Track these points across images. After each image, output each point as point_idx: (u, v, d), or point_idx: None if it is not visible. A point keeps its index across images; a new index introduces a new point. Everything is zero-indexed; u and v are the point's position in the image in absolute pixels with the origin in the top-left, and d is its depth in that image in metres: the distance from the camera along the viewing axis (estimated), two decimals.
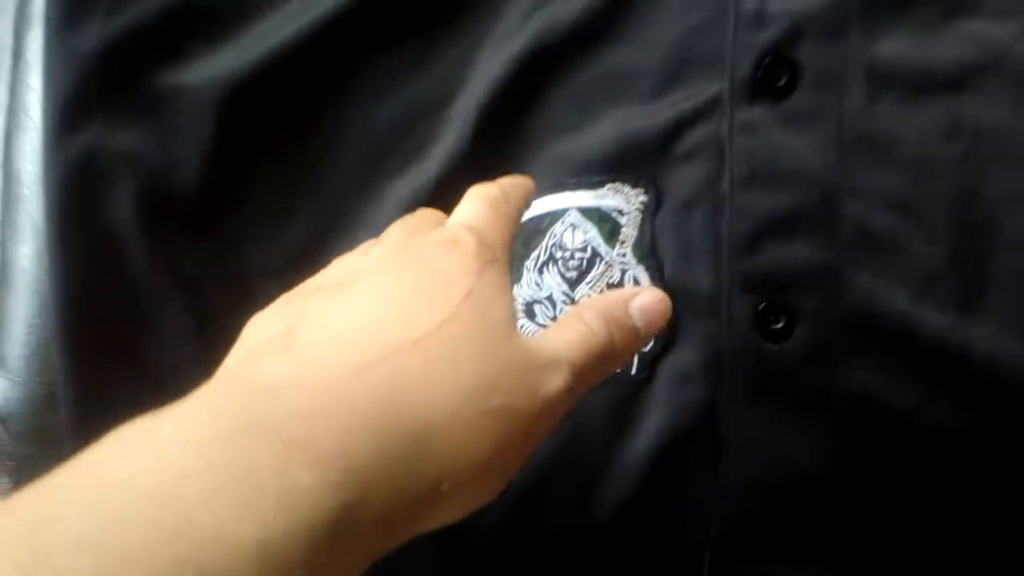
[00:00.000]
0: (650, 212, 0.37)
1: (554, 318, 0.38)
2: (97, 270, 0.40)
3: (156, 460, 0.19)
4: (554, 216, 0.38)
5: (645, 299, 0.29)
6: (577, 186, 0.38)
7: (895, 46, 0.36)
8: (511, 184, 0.32)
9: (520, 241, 0.39)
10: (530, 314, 0.39)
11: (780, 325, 0.35)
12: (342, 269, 0.29)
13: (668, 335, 0.37)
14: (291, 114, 0.41)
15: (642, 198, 0.37)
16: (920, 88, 0.35)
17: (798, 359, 0.35)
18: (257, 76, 0.40)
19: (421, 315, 0.25)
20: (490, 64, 0.39)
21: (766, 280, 0.35)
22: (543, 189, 0.38)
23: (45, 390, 0.47)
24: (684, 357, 0.36)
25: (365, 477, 0.21)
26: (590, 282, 0.38)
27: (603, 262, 0.38)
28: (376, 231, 0.33)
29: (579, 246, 0.38)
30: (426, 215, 0.32)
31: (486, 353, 0.25)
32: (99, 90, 0.40)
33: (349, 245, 0.33)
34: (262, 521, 0.19)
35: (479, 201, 0.30)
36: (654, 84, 0.38)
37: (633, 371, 0.37)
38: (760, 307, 0.35)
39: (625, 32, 0.38)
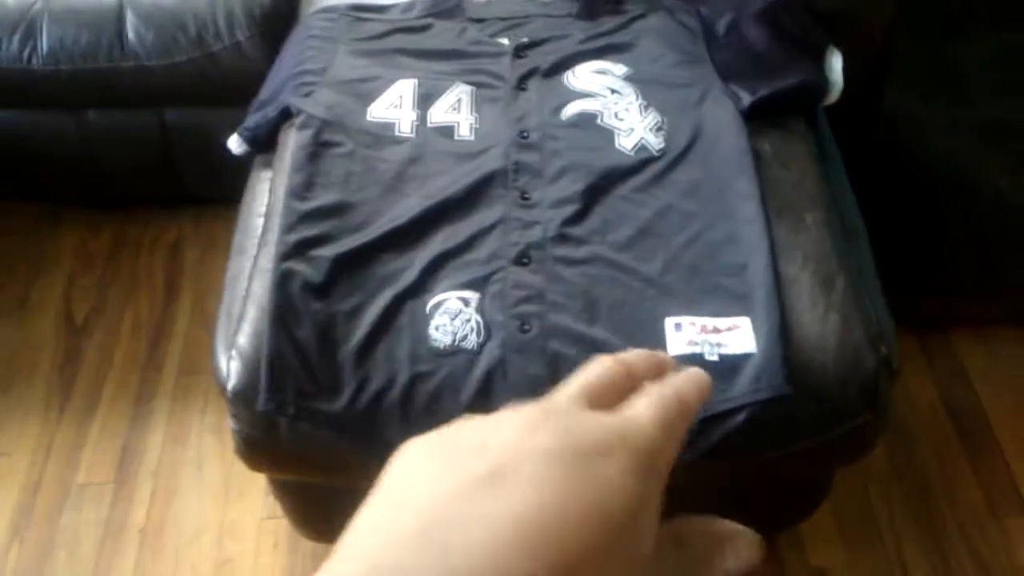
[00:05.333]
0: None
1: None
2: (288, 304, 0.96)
3: None
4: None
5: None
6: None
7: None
8: (694, 392, 0.30)
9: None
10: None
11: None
12: (495, 442, 0.26)
13: (486, 335, 0.95)
14: None
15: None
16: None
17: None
18: None
19: (573, 535, 0.24)
20: None
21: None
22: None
23: (256, 369, 0.93)
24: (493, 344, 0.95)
25: None
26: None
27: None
28: None
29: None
30: (590, 392, 0.29)
31: None
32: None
33: None
34: None
35: (658, 409, 0.28)
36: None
37: (474, 348, 0.94)
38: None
39: None
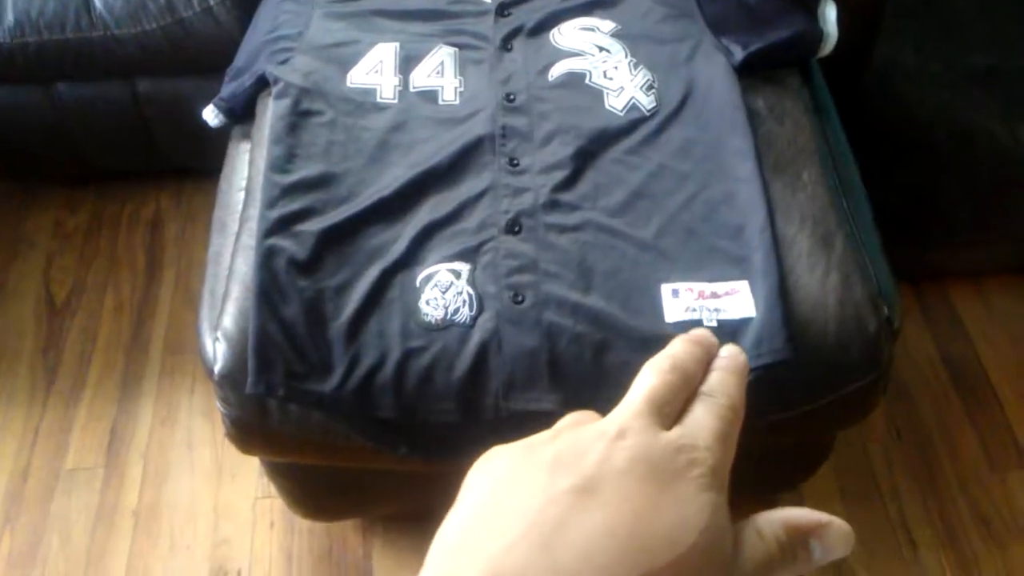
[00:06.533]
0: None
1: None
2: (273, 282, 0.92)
3: None
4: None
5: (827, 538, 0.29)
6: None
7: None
8: (740, 387, 0.32)
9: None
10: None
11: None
12: (581, 460, 0.28)
13: (479, 307, 0.91)
14: None
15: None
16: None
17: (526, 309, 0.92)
18: None
19: (661, 544, 0.26)
20: None
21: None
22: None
23: (243, 351, 0.89)
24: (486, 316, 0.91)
25: None
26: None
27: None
28: None
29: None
30: (656, 407, 0.30)
31: None
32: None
33: None
34: None
35: (715, 418, 0.30)
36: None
37: (467, 321, 0.91)
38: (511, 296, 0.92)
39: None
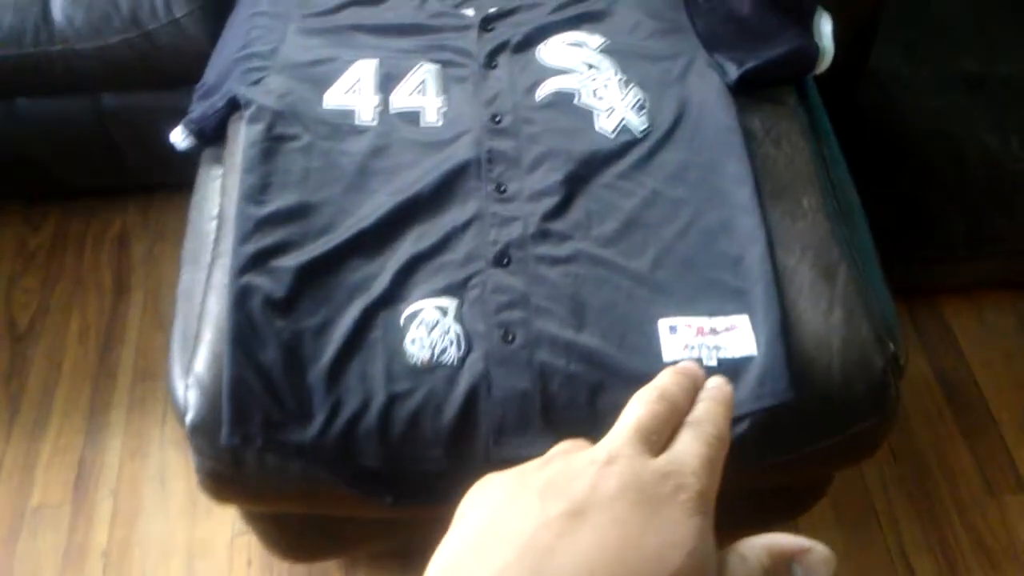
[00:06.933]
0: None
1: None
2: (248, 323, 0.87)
3: None
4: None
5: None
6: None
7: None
8: (726, 417, 0.32)
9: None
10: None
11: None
12: (572, 485, 0.28)
13: (467, 347, 0.87)
14: None
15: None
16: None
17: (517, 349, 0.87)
18: None
19: (650, 566, 0.26)
20: None
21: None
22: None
23: (217, 399, 0.84)
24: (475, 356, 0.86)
25: None
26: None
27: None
28: None
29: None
30: (644, 435, 0.30)
31: None
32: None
33: None
34: None
35: (702, 445, 0.30)
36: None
37: (454, 362, 0.86)
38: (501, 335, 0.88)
39: None
